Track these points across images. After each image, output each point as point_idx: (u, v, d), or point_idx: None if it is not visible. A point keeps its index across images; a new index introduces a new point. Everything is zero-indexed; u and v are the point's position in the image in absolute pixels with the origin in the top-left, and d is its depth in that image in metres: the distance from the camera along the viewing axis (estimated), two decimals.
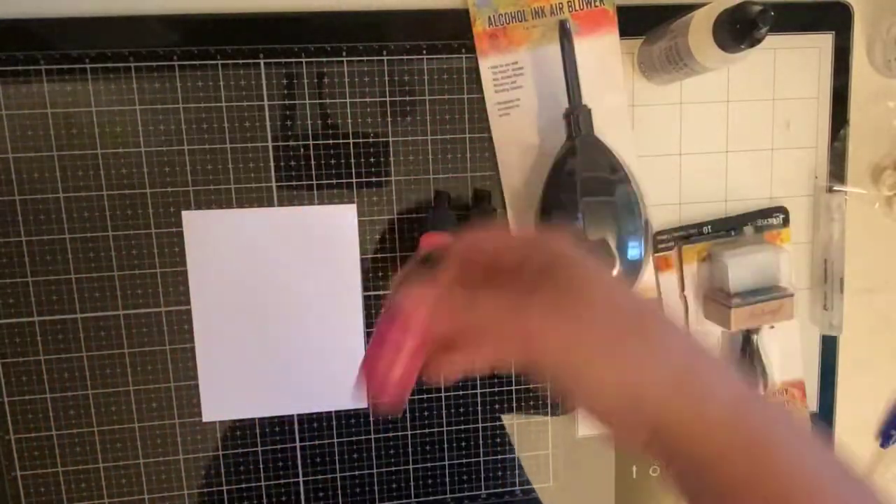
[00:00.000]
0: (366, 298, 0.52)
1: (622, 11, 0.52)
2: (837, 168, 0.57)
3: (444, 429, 0.55)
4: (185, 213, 0.50)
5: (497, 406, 0.55)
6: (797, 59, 0.55)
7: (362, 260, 0.52)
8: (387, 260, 0.52)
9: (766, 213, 0.56)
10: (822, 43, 0.55)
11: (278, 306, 0.52)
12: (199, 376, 0.51)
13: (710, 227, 0.55)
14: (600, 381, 0.29)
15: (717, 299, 0.53)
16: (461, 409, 0.55)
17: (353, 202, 0.51)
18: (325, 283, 0.52)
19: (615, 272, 0.33)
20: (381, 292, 0.53)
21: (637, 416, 0.29)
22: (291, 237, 0.51)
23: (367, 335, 0.53)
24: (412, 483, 0.55)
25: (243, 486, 0.53)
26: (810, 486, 0.28)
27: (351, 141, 0.51)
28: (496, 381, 0.55)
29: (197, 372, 0.51)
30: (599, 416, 0.30)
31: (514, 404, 0.55)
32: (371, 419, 0.54)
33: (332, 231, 0.51)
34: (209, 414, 0.52)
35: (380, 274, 0.52)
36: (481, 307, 0.31)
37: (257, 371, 0.52)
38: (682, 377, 0.29)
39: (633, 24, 0.52)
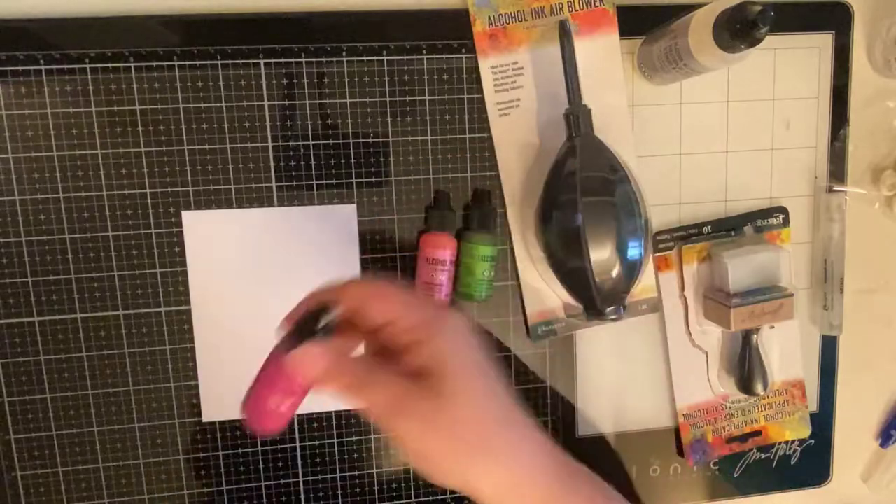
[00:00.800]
0: None
1: (622, 11, 0.52)
2: (837, 168, 0.57)
3: None
4: (185, 214, 0.50)
5: None
6: (797, 59, 0.55)
7: (362, 260, 0.52)
8: (387, 260, 0.52)
9: (766, 213, 0.56)
10: (822, 43, 0.55)
11: (278, 306, 0.52)
12: (199, 376, 0.51)
13: (710, 227, 0.55)
14: (444, 477, 0.35)
15: (717, 299, 0.53)
16: None
17: (353, 202, 0.51)
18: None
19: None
20: None
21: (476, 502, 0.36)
22: (291, 237, 0.51)
23: None
24: (412, 483, 0.55)
25: (243, 486, 0.53)
26: None
27: (351, 141, 0.51)
28: None
29: (197, 372, 0.51)
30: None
31: None
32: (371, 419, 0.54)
33: (332, 231, 0.51)
34: (209, 414, 0.52)
35: (380, 274, 0.52)
36: (369, 394, 0.35)
37: (257, 371, 0.52)
38: (516, 489, 0.35)
39: (633, 24, 0.52)
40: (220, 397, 0.52)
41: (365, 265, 0.52)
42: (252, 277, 0.51)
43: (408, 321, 0.36)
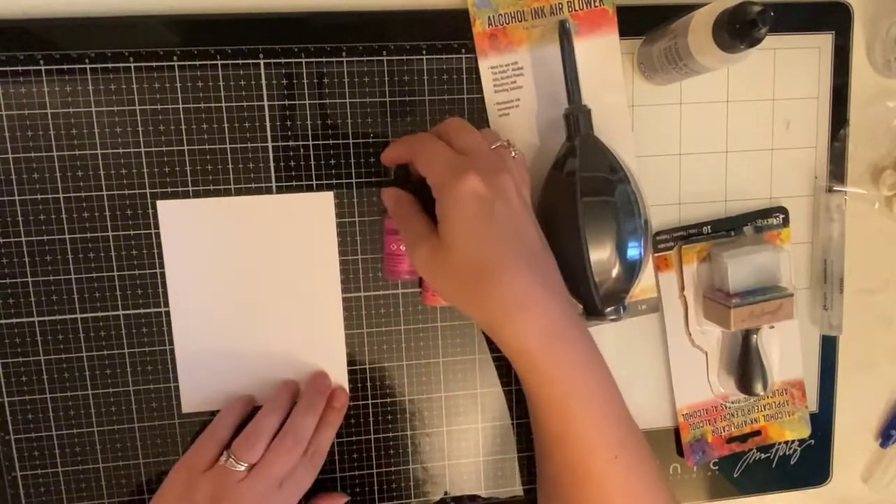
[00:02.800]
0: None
1: (622, 11, 0.52)
2: (837, 168, 0.57)
3: (444, 429, 0.55)
4: (160, 203, 0.50)
5: (497, 406, 0.55)
6: (797, 59, 0.55)
7: (357, 258, 0.52)
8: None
9: (766, 213, 0.56)
10: (822, 43, 0.55)
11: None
12: (179, 375, 0.51)
13: (710, 227, 0.55)
14: (463, 311, 0.45)
15: (717, 299, 0.53)
16: (461, 409, 0.55)
17: (331, 190, 0.51)
18: (307, 276, 0.52)
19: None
20: (381, 292, 0.53)
21: (500, 344, 0.44)
22: (267, 227, 0.51)
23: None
24: (412, 483, 0.55)
25: None
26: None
27: (351, 141, 0.51)
28: (497, 382, 0.55)
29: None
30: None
31: (514, 404, 0.56)
32: (371, 419, 0.54)
33: (311, 220, 0.51)
34: (188, 406, 0.52)
35: (380, 274, 0.52)
36: (402, 228, 0.47)
37: (240, 365, 0.52)
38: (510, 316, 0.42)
39: (633, 24, 0.52)
40: (200, 391, 0.52)
41: (365, 265, 0.52)
42: (230, 269, 0.51)
43: (430, 180, 0.44)
